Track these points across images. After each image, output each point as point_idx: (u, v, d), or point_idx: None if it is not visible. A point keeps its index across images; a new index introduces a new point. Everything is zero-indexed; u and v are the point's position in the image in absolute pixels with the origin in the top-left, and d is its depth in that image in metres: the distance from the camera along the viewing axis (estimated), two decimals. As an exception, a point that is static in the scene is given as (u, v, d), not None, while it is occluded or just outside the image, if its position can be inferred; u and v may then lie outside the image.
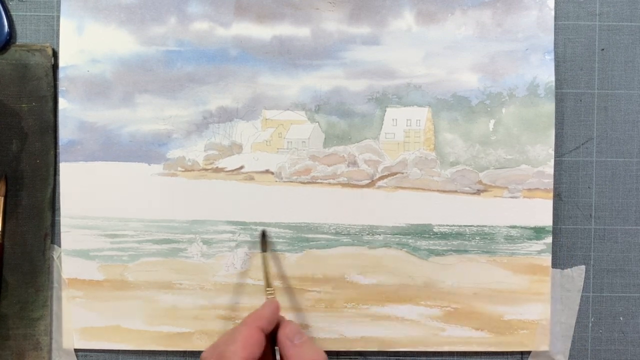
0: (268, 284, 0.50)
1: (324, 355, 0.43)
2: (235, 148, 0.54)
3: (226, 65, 0.54)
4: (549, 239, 0.54)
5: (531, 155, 0.54)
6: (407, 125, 0.54)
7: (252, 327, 0.43)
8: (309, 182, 0.54)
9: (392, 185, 0.54)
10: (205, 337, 0.54)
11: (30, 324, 0.53)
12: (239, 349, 0.42)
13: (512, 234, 0.54)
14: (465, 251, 0.54)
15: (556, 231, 0.54)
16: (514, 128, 0.54)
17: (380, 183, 0.54)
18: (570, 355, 0.55)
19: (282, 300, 0.54)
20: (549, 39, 0.54)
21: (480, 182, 0.54)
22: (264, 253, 0.52)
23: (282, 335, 0.44)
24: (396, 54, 0.54)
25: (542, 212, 0.54)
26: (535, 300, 0.54)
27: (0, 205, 0.53)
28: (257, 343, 0.43)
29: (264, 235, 0.53)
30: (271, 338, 0.45)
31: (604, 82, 0.55)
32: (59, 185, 0.54)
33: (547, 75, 0.54)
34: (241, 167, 0.54)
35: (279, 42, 0.54)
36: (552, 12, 0.54)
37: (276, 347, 0.45)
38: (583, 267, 0.55)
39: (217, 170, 0.54)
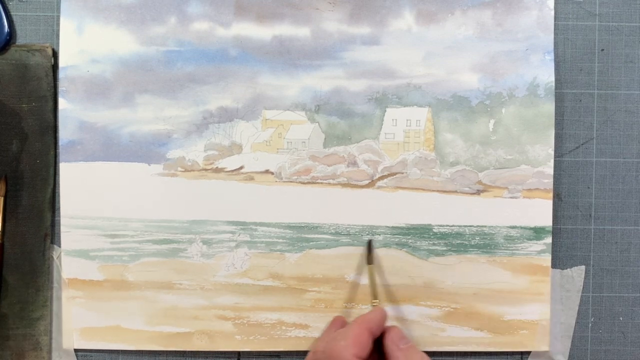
0: (374, 296, 0.51)
1: (428, 358, 0.45)
2: (235, 148, 0.54)
3: (226, 65, 0.54)
4: (548, 239, 0.54)
5: (531, 155, 0.54)
6: (407, 126, 0.54)
7: (363, 328, 0.45)
8: (309, 182, 0.54)
9: (392, 185, 0.54)
10: (205, 337, 0.54)
11: (30, 324, 0.53)
12: (350, 344, 0.44)
13: (512, 234, 0.54)
14: (465, 251, 0.54)
15: (556, 231, 0.54)
16: (513, 128, 0.54)
17: (380, 183, 0.54)
18: (570, 355, 0.55)
19: (282, 300, 0.54)
20: (549, 39, 0.54)
21: (480, 182, 0.54)
22: (370, 266, 0.52)
23: (389, 339, 0.46)
24: (396, 54, 0.54)
25: (541, 212, 0.54)
26: (535, 300, 0.54)
27: (0, 205, 0.53)
28: (366, 343, 0.45)
29: (369, 246, 0.53)
30: (375, 345, 0.47)
31: (603, 82, 0.55)
32: (59, 185, 0.54)
33: (547, 75, 0.54)
34: (241, 167, 0.54)
35: (279, 42, 0.54)
36: (552, 12, 0.54)
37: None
38: (583, 267, 0.55)
39: (217, 170, 0.54)
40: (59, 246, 0.54)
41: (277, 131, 0.54)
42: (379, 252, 0.54)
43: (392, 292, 0.54)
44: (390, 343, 0.46)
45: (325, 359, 0.44)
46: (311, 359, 0.46)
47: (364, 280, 0.54)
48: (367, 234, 0.54)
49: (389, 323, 0.49)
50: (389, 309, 0.53)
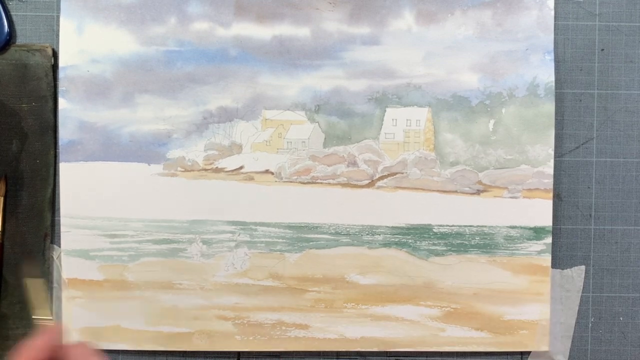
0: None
1: None
2: (235, 148, 0.54)
3: (226, 65, 0.54)
4: (548, 239, 0.54)
5: (531, 155, 0.54)
6: (407, 126, 0.54)
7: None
8: (308, 182, 0.54)
9: (392, 185, 0.54)
10: (205, 337, 0.54)
11: (30, 324, 0.53)
12: None
13: (512, 234, 0.54)
14: (465, 251, 0.54)
15: (556, 231, 0.54)
16: (513, 128, 0.54)
17: (380, 183, 0.54)
18: (570, 355, 0.55)
19: (282, 300, 0.54)
20: (549, 39, 0.54)
21: (480, 182, 0.54)
22: (28, 279, 0.48)
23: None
24: (396, 54, 0.54)
25: (541, 212, 0.54)
26: (535, 300, 0.54)
27: (0, 205, 0.53)
28: None
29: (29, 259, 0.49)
30: None
31: (603, 82, 0.55)
32: (59, 185, 0.54)
33: (547, 75, 0.54)
34: (241, 167, 0.54)
35: (279, 42, 0.54)
36: (552, 12, 0.54)
37: None
38: (583, 267, 0.55)
39: (217, 170, 0.54)
40: (59, 246, 0.54)
41: (277, 131, 0.54)
42: (380, 253, 0.54)
43: (392, 292, 0.54)
44: None
45: None
46: None
47: (367, 280, 0.54)
48: (367, 234, 0.54)
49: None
50: (389, 309, 0.54)
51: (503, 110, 0.54)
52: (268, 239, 0.54)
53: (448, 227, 0.54)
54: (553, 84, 0.53)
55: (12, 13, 0.54)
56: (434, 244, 0.54)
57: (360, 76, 0.54)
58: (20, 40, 0.54)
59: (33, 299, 0.49)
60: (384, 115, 0.54)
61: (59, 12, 0.53)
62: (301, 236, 0.54)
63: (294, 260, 0.54)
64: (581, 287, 0.55)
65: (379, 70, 0.54)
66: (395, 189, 0.54)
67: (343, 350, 0.54)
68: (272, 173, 0.54)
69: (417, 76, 0.54)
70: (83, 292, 0.53)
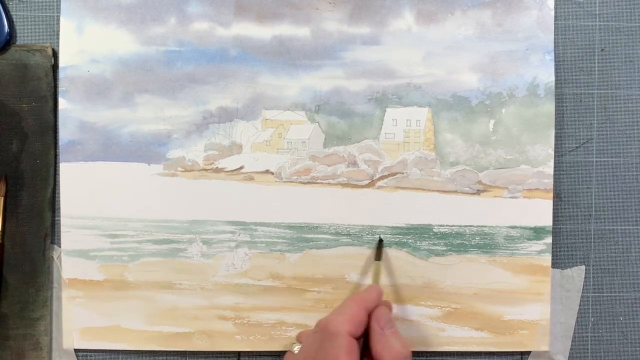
0: None
1: (409, 352, 0.44)
2: (235, 148, 0.54)
3: (226, 65, 0.54)
4: (548, 239, 0.54)
5: (531, 155, 0.54)
6: (407, 126, 0.54)
7: (361, 306, 0.45)
8: (309, 182, 0.54)
9: (392, 185, 0.54)
10: (205, 337, 0.54)
11: (30, 324, 0.53)
12: (346, 321, 0.44)
13: (512, 234, 0.54)
14: (465, 251, 0.54)
15: (556, 231, 0.54)
16: (513, 128, 0.54)
17: (380, 183, 0.54)
18: (570, 355, 0.55)
19: (283, 300, 0.54)
20: (549, 39, 0.54)
21: (480, 182, 0.54)
22: (377, 262, 0.52)
23: (374, 319, 0.45)
24: (396, 54, 0.54)
25: (542, 212, 0.54)
26: (535, 300, 0.54)
27: (0, 205, 0.53)
28: (362, 321, 0.44)
29: (380, 244, 0.52)
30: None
31: (603, 82, 0.55)
32: (59, 185, 0.54)
33: (547, 75, 0.54)
34: (241, 167, 0.54)
35: (279, 42, 0.54)
36: (552, 12, 0.54)
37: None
38: (583, 267, 0.55)
39: (217, 170, 0.54)
40: (59, 246, 0.54)
41: (277, 131, 0.54)
42: (379, 252, 0.54)
43: (392, 292, 0.54)
44: (374, 323, 0.45)
45: (320, 331, 0.44)
46: (312, 330, 0.46)
47: (367, 280, 0.54)
48: (367, 234, 0.54)
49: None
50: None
51: (503, 110, 0.54)
52: (268, 239, 0.54)
53: (448, 227, 0.54)
54: (553, 84, 0.54)
55: (12, 13, 0.54)
56: (434, 244, 0.54)
57: (360, 76, 0.54)
58: (20, 40, 0.54)
59: (373, 279, 0.51)
60: (384, 115, 0.54)
61: (59, 12, 0.54)
62: (301, 236, 0.54)
63: (294, 260, 0.54)
64: (581, 287, 0.55)
65: (379, 70, 0.54)
66: (396, 189, 0.54)
67: (343, 350, 0.54)
68: (272, 173, 0.54)
69: (417, 76, 0.54)
70: (83, 292, 0.53)
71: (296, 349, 0.47)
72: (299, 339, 0.49)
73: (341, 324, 0.43)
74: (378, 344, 0.44)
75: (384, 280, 0.54)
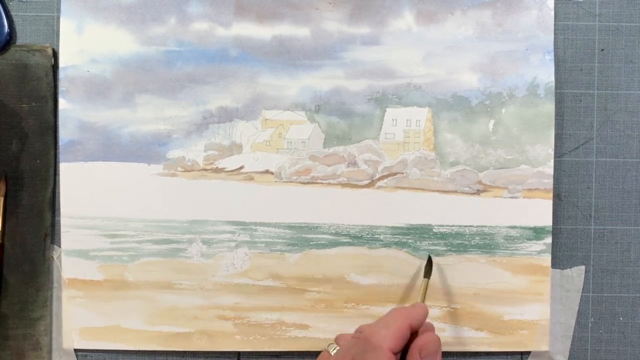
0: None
1: None
2: (235, 148, 0.54)
3: (226, 65, 0.54)
4: (548, 239, 0.54)
5: (531, 155, 0.54)
6: (407, 126, 0.54)
7: (406, 323, 0.44)
8: (308, 182, 0.54)
9: (392, 185, 0.54)
10: (205, 337, 0.54)
11: (30, 324, 0.53)
12: (389, 337, 0.43)
13: (511, 234, 0.54)
14: (465, 251, 0.54)
15: (556, 231, 0.54)
16: (513, 128, 0.54)
17: (380, 183, 0.54)
18: (570, 355, 0.55)
19: (282, 300, 0.54)
20: (549, 39, 0.54)
21: (480, 182, 0.54)
22: (426, 279, 0.51)
23: (419, 346, 0.44)
24: (396, 54, 0.54)
25: (541, 213, 0.54)
26: (535, 300, 0.54)
27: (0, 205, 0.53)
28: (404, 338, 0.44)
29: (429, 261, 0.52)
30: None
31: (603, 82, 0.55)
32: (59, 185, 0.54)
33: (547, 75, 0.54)
34: (241, 167, 0.54)
35: (279, 42, 0.54)
36: (552, 12, 0.54)
37: None
38: (583, 267, 0.55)
39: (217, 170, 0.54)
40: (59, 246, 0.54)
41: (277, 131, 0.54)
42: (380, 253, 0.54)
43: (393, 292, 0.54)
44: (416, 351, 0.44)
45: (362, 342, 0.43)
46: (354, 337, 0.45)
47: (367, 280, 0.54)
48: (367, 234, 0.54)
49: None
50: (389, 309, 0.53)
51: (503, 110, 0.54)
52: (268, 239, 0.54)
53: (448, 227, 0.54)
54: (553, 84, 0.54)
55: (12, 13, 0.54)
56: (434, 244, 0.54)
57: (360, 76, 0.54)
58: (20, 40, 0.54)
59: (423, 297, 0.50)
60: (384, 115, 0.54)
61: (59, 12, 0.54)
62: (301, 236, 0.54)
63: (294, 260, 0.54)
64: (581, 287, 0.55)
65: (379, 70, 0.54)
66: (395, 189, 0.54)
67: (343, 350, 0.54)
68: (272, 173, 0.54)
69: (417, 76, 0.54)
70: (83, 292, 0.53)
71: (333, 350, 0.46)
72: (337, 341, 0.47)
73: (384, 340, 0.42)
74: None
75: (385, 280, 0.54)
